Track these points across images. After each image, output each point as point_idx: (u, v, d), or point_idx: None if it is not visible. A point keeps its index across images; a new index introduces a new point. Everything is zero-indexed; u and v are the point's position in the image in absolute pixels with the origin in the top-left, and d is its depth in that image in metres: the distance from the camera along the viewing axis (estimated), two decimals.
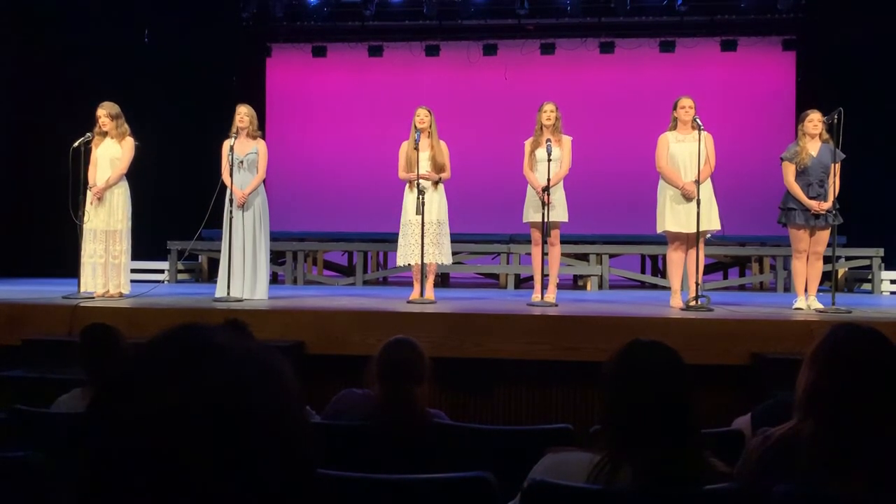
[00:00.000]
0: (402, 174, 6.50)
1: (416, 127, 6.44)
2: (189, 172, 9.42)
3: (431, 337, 4.72)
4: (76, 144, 6.32)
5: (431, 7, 10.59)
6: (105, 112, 6.42)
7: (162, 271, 9.41)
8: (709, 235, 6.25)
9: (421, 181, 6.26)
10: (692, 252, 6.02)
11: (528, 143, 6.50)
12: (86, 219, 6.33)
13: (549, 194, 6.18)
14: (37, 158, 9.25)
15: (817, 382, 1.91)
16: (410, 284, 6.77)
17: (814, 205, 5.91)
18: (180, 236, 9.00)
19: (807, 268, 6.06)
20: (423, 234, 6.24)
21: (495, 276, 9.76)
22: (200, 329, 0.75)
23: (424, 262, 6.31)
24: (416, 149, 6.33)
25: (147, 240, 8.09)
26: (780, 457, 1.91)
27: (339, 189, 11.58)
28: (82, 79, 9.36)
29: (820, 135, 6.01)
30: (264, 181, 6.54)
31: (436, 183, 6.40)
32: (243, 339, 0.77)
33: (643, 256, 10.00)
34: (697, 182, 5.91)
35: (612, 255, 9.40)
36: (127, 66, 9.69)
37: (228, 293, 6.14)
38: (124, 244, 6.39)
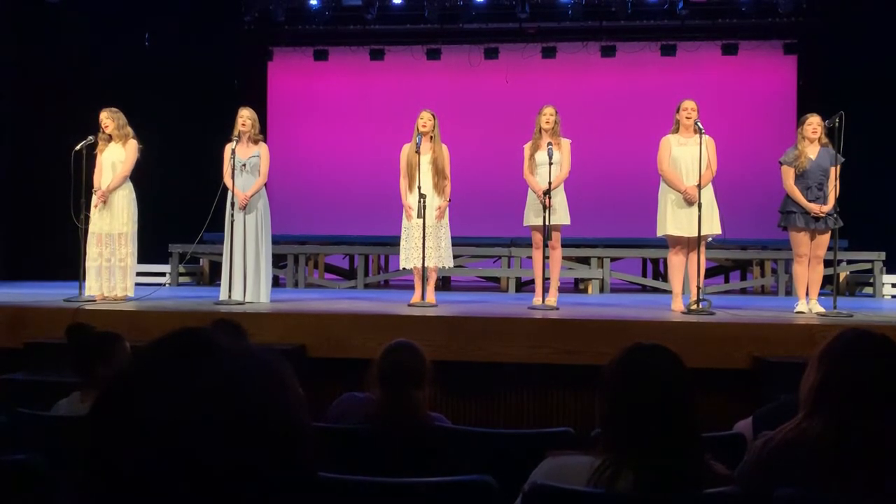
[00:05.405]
0: (403, 191, 6.42)
1: (418, 130, 6.42)
2: (191, 176, 9.42)
3: (432, 340, 4.72)
4: (78, 148, 6.33)
5: (433, 11, 10.59)
6: (108, 116, 6.45)
7: (163, 274, 9.42)
8: (710, 239, 6.24)
9: (422, 185, 6.24)
10: (693, 256, 6.02)
11: (527, 147, 6.49)
12: (89, 222, 6.34)
13: (550, 198, 6.17)
14: (39, 162, 9.26)
15: (825, 381, 1.91)
16: (411, 287, 6.77)
17: (814, 208, 5.91)
18: (182, 239, 8.99)
19: (808, 271, 6.06)
20: (425, 238, 6.23)
21: (496, 280, 9.76)
22: (201, 332, 0.76)
23: (425, 265, 6.31)
24: (418, 152, 6.32)
25: (149, 243, 8.08)
26: (782, 460, 1.90)
27: (340, 192, 11.58)
28: (84, 83, 9.38)
29: (819, 139, 6.02)
30: (266, 184, 6.55)
31: (439, 187, 6.38)
32: (242, 341, 0.77)
33: (644, 260, 9.99)
34: (699, 186, 5.92)
35: (613, 259, 9.39)
36: (129, 69, 9.70)
37: (230, 297, 6.15)
38: (130, 247, 6.40)
